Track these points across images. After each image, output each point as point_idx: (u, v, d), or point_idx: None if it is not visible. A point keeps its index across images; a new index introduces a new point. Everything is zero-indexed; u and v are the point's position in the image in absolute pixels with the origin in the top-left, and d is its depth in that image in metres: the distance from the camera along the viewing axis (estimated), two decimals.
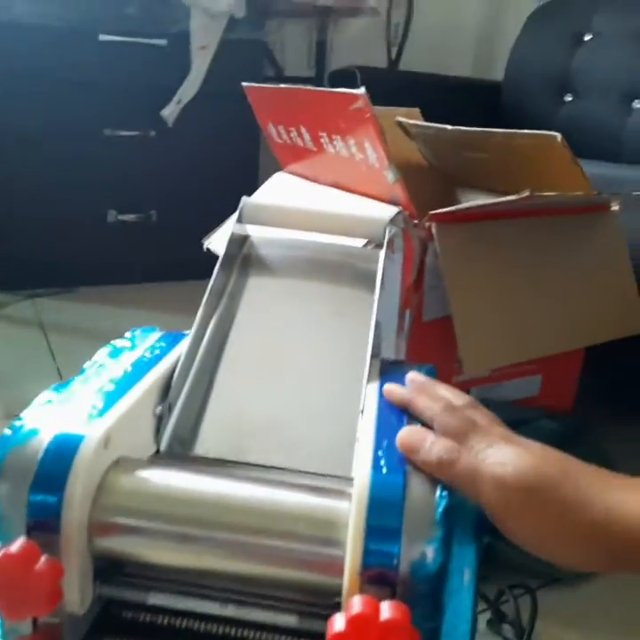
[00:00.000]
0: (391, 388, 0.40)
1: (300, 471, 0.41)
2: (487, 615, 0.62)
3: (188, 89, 1.46)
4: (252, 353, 0.51)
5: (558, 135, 0.70)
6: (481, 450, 0.34)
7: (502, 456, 0.34)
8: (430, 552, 0.31)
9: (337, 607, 0.33)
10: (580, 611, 0.65)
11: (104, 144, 1.44)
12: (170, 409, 0.43)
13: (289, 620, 0.35)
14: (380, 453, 0.34)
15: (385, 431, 0.37)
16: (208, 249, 0.96)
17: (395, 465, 0.34)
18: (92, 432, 0.34)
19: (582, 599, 0.67)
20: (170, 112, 1.46)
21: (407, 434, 0.35)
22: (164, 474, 0.36)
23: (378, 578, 0.30)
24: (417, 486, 0.32)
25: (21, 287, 1.39)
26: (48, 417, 0.35)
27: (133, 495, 0.35)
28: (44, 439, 0.33)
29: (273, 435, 0.46)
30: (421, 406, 0.38)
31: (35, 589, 0.30)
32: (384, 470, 0.33)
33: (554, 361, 0.83)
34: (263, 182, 0.97)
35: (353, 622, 0.28)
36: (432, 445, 0.34)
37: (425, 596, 0.31)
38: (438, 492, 0.32)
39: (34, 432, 0.34)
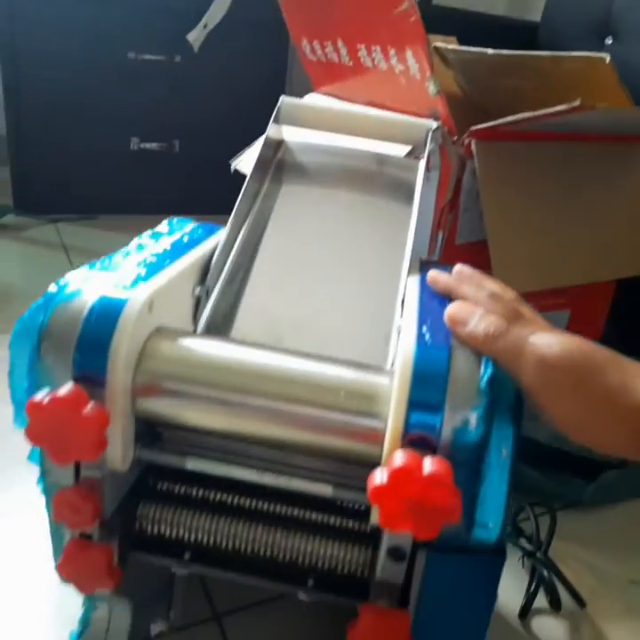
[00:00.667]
0: (435, 275, 0.39)
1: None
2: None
3: (215, 13, 1.41)
4: (286, 252, 0.50)
5: (607, 56, 0.67)
6: (527, 333, 0.34)
7: (549, 339, 0.33)
8: (473, 419, 0.31)
9: None
10: (600, 534, 0.66)
11: (128, 68, 1.41)
12: (207, 294, 0.43)
13: (325, 489, 0.36)
14: (424, 330, 0.34)
15: (428, 312, 0.36)
16: (236, 170, 0.94)
17: (439, 340, 0.33)
18: (136, 295, 0.34)
19: (602, 523, 0.67)
20: (196, 37, 1.42)
21: (456, 306, 0.35)
22: (205, 343, 0.36)
23: (419, 441, 0.31)
24: (462, 357, 0.32)
25: (43, 211, 1.38)
26: (91, 282, 0.35)
27: (176, 360, 0.35)
28: (89, 299, 0.34)
29: (307, 327, 0.46)
30: (466, 292, 0.37)
31: (82, 432, 0.30)
32: (428, 343, 0.33)
33: (583, 296, 0.82)
34: None
35: (395, 475, 0.29)
36: (481, 319, 0.34)
37: (465, 464, 0.31)
38: (483, 364, 0.32)
39: (78, 292, 0.34)
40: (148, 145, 1.48)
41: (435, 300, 0.38)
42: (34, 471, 0.37)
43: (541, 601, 0.56)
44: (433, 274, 0.40)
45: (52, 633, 0.46)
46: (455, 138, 0.66)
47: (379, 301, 0.48)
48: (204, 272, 0.43)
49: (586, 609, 0.56)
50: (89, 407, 0.31)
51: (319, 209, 0.55)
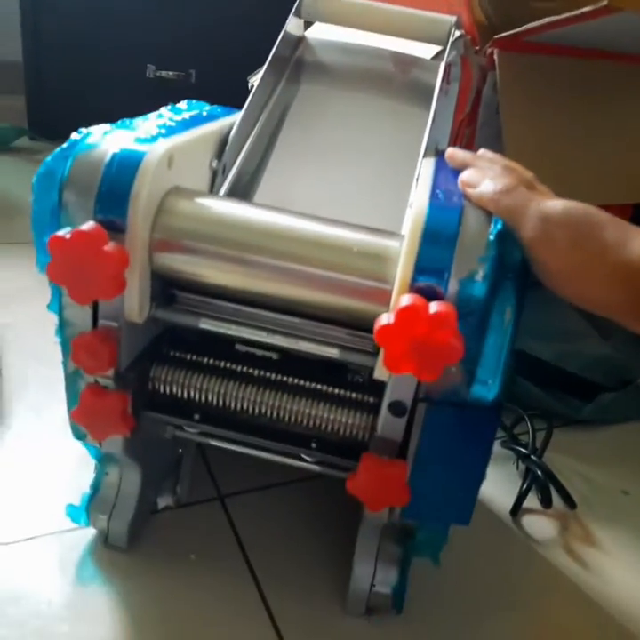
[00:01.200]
0: (453, 151, 0.40)
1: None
2: (503, 439, 0.65)
3: None
4: (304, 142, 0.51)
5: None
6: (535, 195, 0.34)
7: (555, 201, 0.34)
8: (479, 272, 0.32)
9: None
10: (596, 450, 0.67)
11: None
12: (224, 169, 0.44)
13: (331, 351, 0.37)
14: (437, 193, 0.35)
15: (442, 182, 0.37)
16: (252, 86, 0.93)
17: (451, 200, 0.34)
18: (157, 147, 0.35)
19: (598, 441, 0.69)
20: None
21: (469, 171, 0.36)
22: (222, 203, 0.37)
23: (426, 290, 0.32)
24: (472, 215, 0.33)
25: (56, 136, 1.38)
26: (113, 134, 0.36)
27: (193, 216, 0.36)
28: (111, 148, 0.34)
29: (325, 206, 0.47)
30: (482, 166, 0.38)
31: (102, 268, 0.32)
32: (441, 202, 0.34)
33: None
34: None
35: (401, 314, 0.30)
36: (491, 180, 0.34)
37: (469, 316, 0.32)
38: (493, 222, 0.33)
39: (100, 142, 0.35)
40: (164, 73, 1.47)
41: (450, 173, 0.39)
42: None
43: (533, 502, 0.58)
44: (451, 150, 0.40)
45: (66, 501, 0.48)
46: (477, 48, 0.65)
47: (396, 183, 0.48)
48: (221, 147, 0.43)
49: (576, 511, 0.58)
50: (110, 245, 0.32)
51: (338, 108, 0.55)
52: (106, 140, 0.35)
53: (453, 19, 0.56)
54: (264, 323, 0.38)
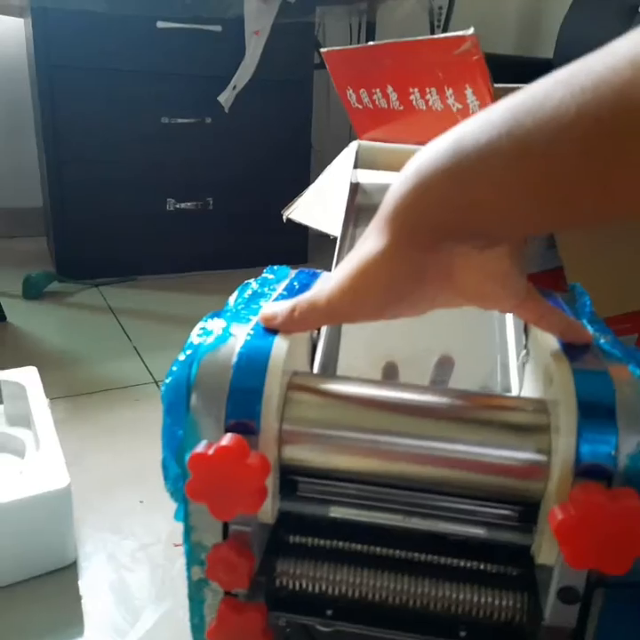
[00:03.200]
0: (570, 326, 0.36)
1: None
2: None
3: (243, 74, 1.46)
4: None
5: None
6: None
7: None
8: None
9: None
10: None
11: (162, 132, 1.45)
12: (318, 334, 0.43)
13: (476, 530, 0.35)
14: (572, 354, 0.33)
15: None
16: (288, 219, 0.95)
17: (594, 364, 0.33)
18: (279, 340, 0.34)
19: None
20: (226, 98, 1.46)
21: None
22: (344, 385, 0.36)
23: (594, 471, 0.30)
24: (623, 377, 0.32)
25: (84, 277, 1.40)
26: (231, 330, 0.35)
27: (320, 404, 0.34)
28: (236, 346, 0.33)
29: (415, 363, 0.46)
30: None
31: (246, 483, 0.30)
32: (585, 368, 0.32)
33: None
34: (316, 169, 0.97)
35: (584, 508, 0.27)
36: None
37: None
38: None
39: (224, 339, 0.34)
40: (183, 205, 1.51)
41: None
42: None
43: None
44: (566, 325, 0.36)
45: None
46: None
47: (484, 331, 0.47)
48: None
49: None
50: (252, 456, 0.30)
51: None
52: (228, 338, 0.34)
53: None
54: (399, 505, 0.36)
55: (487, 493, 0.34)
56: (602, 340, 0.36)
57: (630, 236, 0.70)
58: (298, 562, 0.38)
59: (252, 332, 0.34)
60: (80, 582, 0.57)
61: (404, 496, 0.36)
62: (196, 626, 0.37)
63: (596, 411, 0.30)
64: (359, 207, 0.59)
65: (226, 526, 0.34)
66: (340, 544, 0.39)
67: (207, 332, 0.35)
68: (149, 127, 1.44)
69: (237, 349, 0.33)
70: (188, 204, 1.52)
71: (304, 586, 0.38)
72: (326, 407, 0.34)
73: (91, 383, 0.95)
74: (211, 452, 0.29)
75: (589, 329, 0.37)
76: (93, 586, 0.56)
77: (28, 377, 0.73)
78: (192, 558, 0.35)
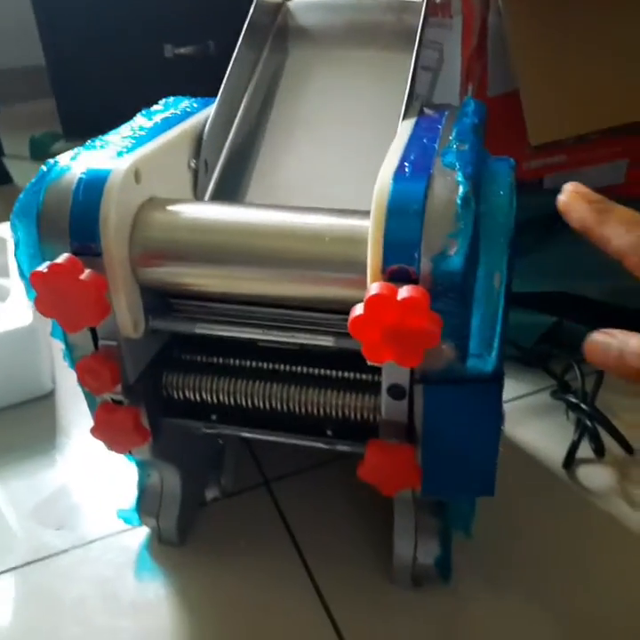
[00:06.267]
0: (571, 202, 0.32)
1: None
2: (553, 389, 0.62)
3: None
4: (292, 117, 0.49)
5: None
6: None
7: None
8: (453, 244, 0.30)
9: None
10: None
11: None
12: (206, 166, 0.44)
13: (326, 340, 0.37)
14: (405, 162, 0.33)
15: (415, 146, 0.35)
16: None
17: (418, 170, 0.32)
18: (120, 164, 0.35)
19: None
20: None
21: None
22: (192, 207, 0.37)
23: (399, 275, 0.30)
24: (439, 184, 0.31)
25: (91, 133, 1.41)
26: (79, 158, 0.36)
27: (166, 227, 0.36)
28: (77, 173, 0.35)
29: (317, 185, 0.46)
30: (610, 236, 0.30)
31: (81, 297, 0.32)
32: (406, 174, 0.32)
33: None
34: None
35: (370, 303, 0.29)
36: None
37: (449, 292, 0.31)
38: (461, 190, 0.31)
39: (68, 168, 0.35)
40: (183, 50, 1.45)
41: (428, 132, 0.37)
42: None
43: (588, 452, 0.56)
44: (568, 201, 0.32)
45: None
46: None
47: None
48: (198, 144, 0.43)
49: (634, 456, 0.55)
50: (86, 273, 0.32)
51: (327, 72, 0.52)
52: (73, 165, 0.35)
53: None
54: (259, 320, 0.38)
55: (328, 305, 0.35)
56: (453, 147, 0.35)
57: (592, 46, 0.64)
58: (181, 374, 0.42)
59: (98, 160, 0.35)
60: (57, 411, 0.64)
61: (263, 313, 0.38)
62: None
63: (404, 218, 0.30)
64: (283, 29, 0.56)
65: (96, 339, 0.37)
66: (223, 360, 0.42)
67: (56, 161, 0.36)
68: None
69: (78, 176, 0.34)
70: (188, 47, 1.46)
71: (188, 395, 0.42)
72: (169, 229, 0.36)
73: None
74: (45, 270, 0.32)
75: (453, 135, 0.36)
76: (69, 413, 0.64)
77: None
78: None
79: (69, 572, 0.49)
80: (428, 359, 0.31)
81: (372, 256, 0.31)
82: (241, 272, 0.35)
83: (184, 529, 0.50)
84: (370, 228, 0.31)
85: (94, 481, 0.57)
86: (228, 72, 0.46)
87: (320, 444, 0.41)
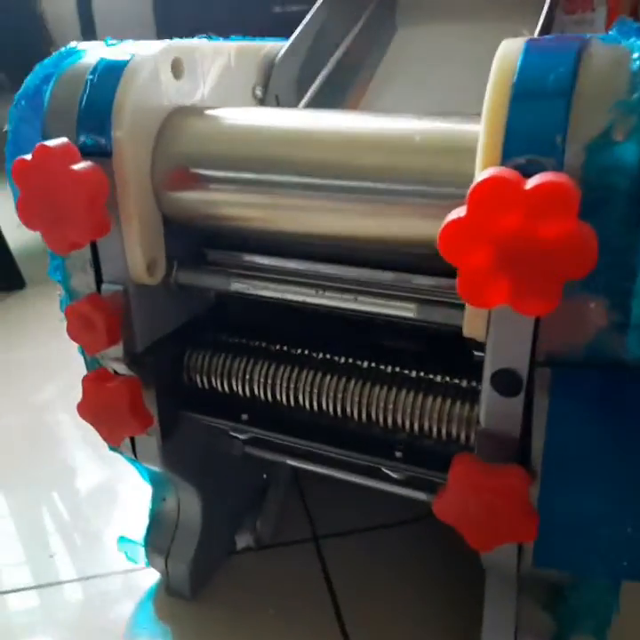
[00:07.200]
0: None
1: None
2: None
3: None
4: (392, 80, 0.41)
5: None
6: None
7: None
8: (622, 124, 0.19)
9: None
10: None
11: None
12: (277, 101, 0.35)
13: (405, 308, 0.26)
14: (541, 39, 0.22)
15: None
16: None
17: (563, 40, 0.21)
18: (152, 49, 0.27)
19: None
20: None
21: None
22: (243, 114, 0.28)
23: (528, 169, 0.19)
24: (599, 50, 0.20)
25: None
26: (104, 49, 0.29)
27: (202, 135, 0.27)
28: (94, 60, 0.27)
29: None
30: None
31: (74, 197, 0.23)
32: (544, 44, 0.21)
33: None
34: None
35: (477, 196, 0.17)
36: None
37: (612, 201, 0.19)
38: (636, 54, 0.20)
39: (89, 52, 0.28)
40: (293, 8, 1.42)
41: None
42: None
43: None
44: None
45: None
46: None
47: None
48: (267, 73, 0.34)
49: None
50: (82, 164, 0.24)
51: (439, 45, 0.44)
52: (99, 49, 0.28)
53: None
54: (313, 279, 0.28)
55: (412, 248, 0.24)
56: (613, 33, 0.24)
57: None
58: (209, 355, 0.31)
59: (129, 47, 0.28)
60: None
61: (320, 271, 0.28)
62: None
63: (540, 90, 0.19)
64: None
65: (100, 280, 0.28)
66: (262, 344, 0.32)
67: (76, 49, 0.28)
68: None
69: (94, 64, 0.27)
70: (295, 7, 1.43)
71: (216, 383, 0.31)
72: (203, 139, 0.27)
73: None
74: (30, 157, 0.24)
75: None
76: None
77: None
78: None
79: (36, 612, 0.38)
80: (562, 323, 0.19)
81: (486, 146, 0.20)
82: (286, 196, 0.25)
83: (199, 578, 0.38)
84: (484, 107, 0.20)
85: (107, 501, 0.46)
86: (310, 13, 0.38)
87: (385, 470, 0.28)
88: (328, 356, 0.30)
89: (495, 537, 0.22)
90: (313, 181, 0.24)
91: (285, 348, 0.31)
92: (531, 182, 0.17)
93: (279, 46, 0.35)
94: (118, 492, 0.47)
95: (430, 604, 0.36)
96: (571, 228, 0.17)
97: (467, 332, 0.22)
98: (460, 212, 0.18)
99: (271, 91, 0.34)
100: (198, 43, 0.29)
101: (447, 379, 0.28)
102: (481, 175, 0.18)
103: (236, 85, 0.32)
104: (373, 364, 0.29)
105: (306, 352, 0.31)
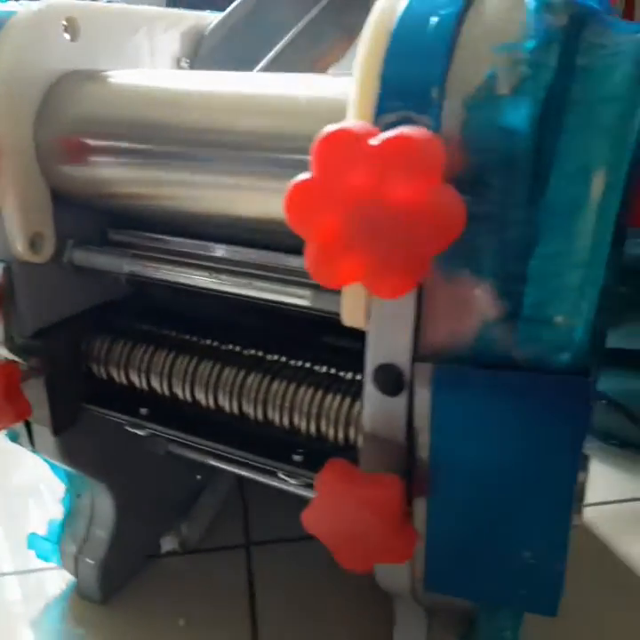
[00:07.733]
0: None
1: None
2: None
3: None
4: None
5: None
6: None
7: None
8: (510, 79, 0.16)
9: None
10: None
11: None
12: None
13: (300, 294, 0.23)
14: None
15: None
16: None
17: None
18: (36, 7, 0.24)
19: None
20: None
21: None
22: (128, 76, 0.25)
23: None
24: None
25: None
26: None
27: (90, 100, 0.24)
28: None
29: None
30: None
31: None
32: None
33: None
34: None
35: (321, 152, 0.15)
36: None
37: (496, 169, 0.16)
38: None
39: None
40: None
41: None
42: None
43: None
44: None
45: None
46: None
47: None
48: (197, 45, 0.32)
49: None
50: None
51: None
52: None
53: None
54: (211, 262, 0.25)
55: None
56: None
57: None
58: (110, 344, 0.29)
59: (5, 7, 0.25)
60: None
61: (214, 249, 0.25)
62: None
63: (419, 36, 0.17)
64: None
65: None
66: (167, 333, 0.29)
67: None
68: None
69: None
70: None
71: (114, 374, 0.29)
72: (93, 103, 0.24)
73: None
74: None
75: None
76: None
77: None
78: None
79: None
80: (446, 312, 0.16)
81: (358, 103, 0.17)
82: (188, 166, 0.23)
83: (112, 581, 0.35)
84: (355, 59, 0.17)
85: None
86: None
87: (281, 475, 0.25)
88: (234, 348, 0.28)
89: (366, 556, 0.19)
90: (190, 150, 0.22)
91: (193, 338, 0.29)
92: (380, 137, 0.14)
93: (212, 18, 0.33)
94: (42, 492, 0.45)
95: (352, 623, 0.33)
96: (424, 190, 0.14)
97: (347, 321, 0.19)
98: (306, 174, 0.15)
99: (200, 64, 0.32)
100: (102, 4, 0.26)
101: (358, 377, 0.25)
102: (327, 129, 0.15)
103: (157, 54, 0.30)
104: (282, 358, 0.26)
105: (212, 343, 0.28)
